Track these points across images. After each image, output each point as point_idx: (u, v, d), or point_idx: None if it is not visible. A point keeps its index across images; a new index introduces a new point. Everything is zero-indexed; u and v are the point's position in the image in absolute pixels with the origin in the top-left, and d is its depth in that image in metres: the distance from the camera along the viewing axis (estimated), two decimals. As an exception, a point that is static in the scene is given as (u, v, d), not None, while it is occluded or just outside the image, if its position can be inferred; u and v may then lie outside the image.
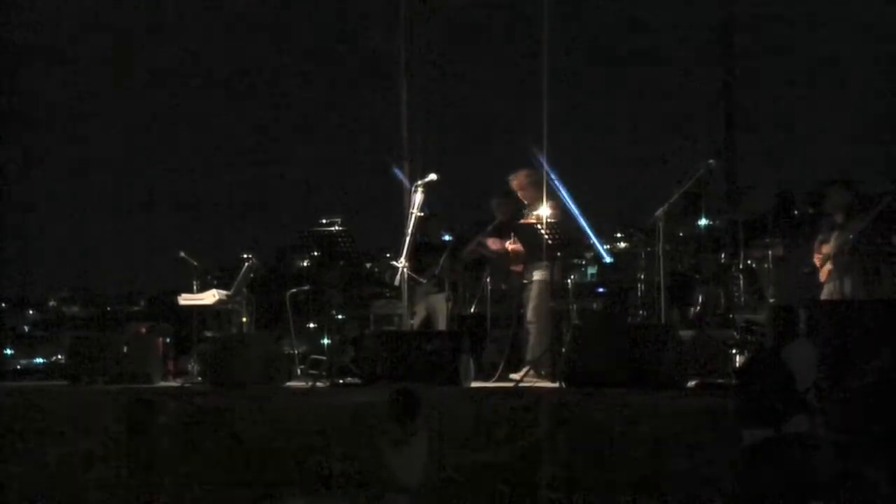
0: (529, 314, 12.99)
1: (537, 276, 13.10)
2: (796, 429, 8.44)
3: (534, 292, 13.07)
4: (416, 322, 13.98)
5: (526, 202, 13.39)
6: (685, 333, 12.83)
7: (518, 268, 13.32)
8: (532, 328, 12.95)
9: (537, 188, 13.20)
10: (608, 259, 14.01)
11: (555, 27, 15.69)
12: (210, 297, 14.30)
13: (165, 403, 11.74)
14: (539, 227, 12.55)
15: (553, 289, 13.10)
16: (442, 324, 13.81)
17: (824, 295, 12.74)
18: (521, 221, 13.03)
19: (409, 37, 16.64)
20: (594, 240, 13.46)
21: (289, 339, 14.74)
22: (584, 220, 13.41)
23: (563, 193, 13.32)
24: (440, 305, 13.90)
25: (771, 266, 13.78)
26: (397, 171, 15.07)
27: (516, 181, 13.42)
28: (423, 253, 13.89)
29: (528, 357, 12.79)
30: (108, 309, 19.07)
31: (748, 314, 13.24)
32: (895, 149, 15.19)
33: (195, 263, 14.75)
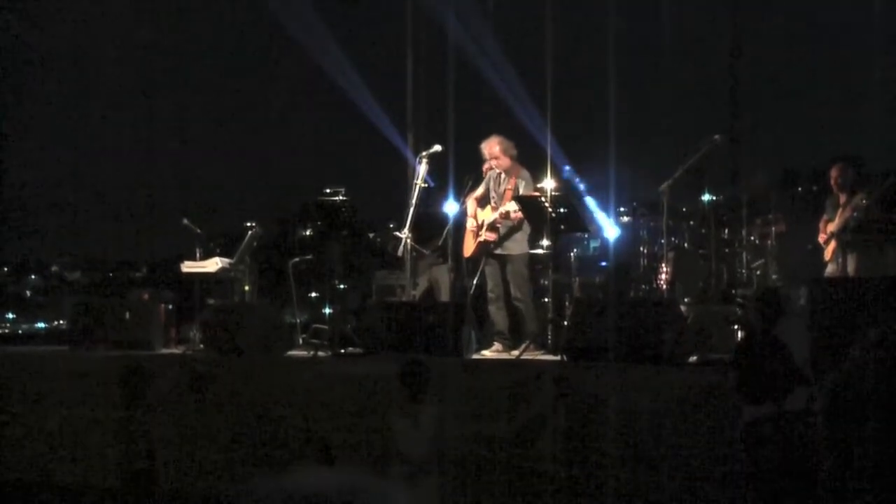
0: (514, 291, 12.81)
1: (515, 249, 12.91)
2: (795, 405, 8.45)
3: (514, 268, 12.89)
4: (417, 293, 13.96)
5: (498, 171, 13.15)
6: (687, 308, 12.83)
7: (492, 236, 13.02)
8: (521, 305, 12.79)
9: (510, 157, 13.02)
10: (611, 231, 13.96)
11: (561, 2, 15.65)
12: (213, 264, 14.28)
13: (164, 370, 11.75)
14: (542, 199, 12.47)
15: (535, 261, 13.07)
16: (444, 295, 13.78)
17: (828, 273, 12.73)
18: (522, 194, 12.91)
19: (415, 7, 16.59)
20: (596, 216, 13.41)
21: (291, 308, 14.75)
22: (589, 194, 13.37)
23: (566, 170, 13.27)
24: (443, 277, 13.87)
25: (774, 242, 13.77)
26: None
27: (487, 149, 13.10)
28: (426, 224, 13.85)
29: (527, 331, 12.73)
30: (110, 275, 19.07)
31: (750, 290, 13.24)
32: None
33: (198, 230, 14.74)
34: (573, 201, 12.60)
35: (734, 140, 15.39)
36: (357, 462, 10.40)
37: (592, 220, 13.32)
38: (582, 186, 13.13)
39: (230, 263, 14.40)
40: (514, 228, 12.84)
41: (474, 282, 13.22)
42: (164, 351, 13.67)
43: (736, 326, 12.26)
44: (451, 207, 13.65)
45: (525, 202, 12.61)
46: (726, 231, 14.28)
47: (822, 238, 13.02)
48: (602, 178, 14.20)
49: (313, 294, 16.22)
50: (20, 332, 18.15)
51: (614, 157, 14.14)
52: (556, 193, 12.59)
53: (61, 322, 17.33)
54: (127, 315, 13.95)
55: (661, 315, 11.17)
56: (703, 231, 14.36)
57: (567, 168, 13.33)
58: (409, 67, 16.51)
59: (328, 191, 13.50)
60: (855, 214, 12.61)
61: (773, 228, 13.81)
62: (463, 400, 10.47)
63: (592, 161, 14.27)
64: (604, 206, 13.76)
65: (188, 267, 14.42)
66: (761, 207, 14.18)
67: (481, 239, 12.97)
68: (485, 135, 13.22)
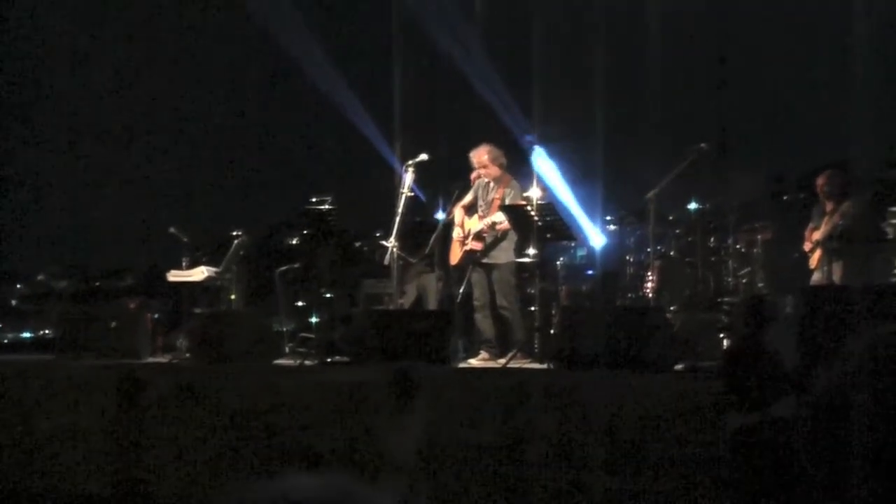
0: (500, 300, 12.82)
1: (502, 257, 12.91)
2: (782, 413, 8.47)
3: (499, 276, 12.89)
4: (407, 302, 13.96)
5: (487, 180, 13.17)
6: (674, 316, 12.86)
7: (478, 245, 13.03)
8: (507, 314, 12.80)
9: (499, 166, 13.04)
10: (597, 239, 13.99)
11: (547, 7, 15.67)
12: (199, 273, 14.29)
13: (154, 379, 11.74)
14: (529, 208, 12.50)
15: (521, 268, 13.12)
16: (433, 304, 13.78)
17: (813, 281, 12.77)
18: (510, 203, 12.93)
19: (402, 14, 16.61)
20: (581, 226, 13.45)
21: (278, 316, 14.74)
22: (577, 202, 13.39)
23: (550, 177, 13.29)
24: (431, 285, 13.88)
25: (760, 250, 13.81)
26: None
27: (476, 157, 13.13)
28: (415, 233, 13.86)
29: (514, 339, 12.73)
30: (97, 284, 19.01)
31: (736, 298, 13.28)
32: (887, 134, 15.21)
33: (185, 239, 14.73)
34: (557, 209, 12.62)
35: (721, 148, 15.42)
36: (345, 469, 10.39)
37: (576, 225, 13.35)
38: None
39: (217, 272, 14.40)
40: (501, 237, 12.86)
41: (461, 290, 13.22)
42: (151, 360, 13.65)
43: (722, 334, 12.29)
44: (440, 217, 13.70)
45: (512, 211, 12.64)
46: (713, 239, 14.31)
47: (807, 246, 13.06)
48: (590, 186, 14.24)
49: (300, 302, 16.19)
50: (6, 340, 18.07)
51: (602, 165, 14.17)
52: (543, 202, 12.60)
53: (48, 331, 17.27)
54: (113, 324, 13.93)
55: (648, 323, 11.19)
56: (690, 239, 14.39)
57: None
58: (396, 75, 16.52)
59: (315, 199, 13.47)
60: (841, 222, 12.65)
61: (760, 236, 13.84)
62: (450, 408, 10.47)
63: (580, 168, 14.28)
64: (590, 214, 13.78)
65: (175, 276, 14.41)
66: (748, 215, 14.22)
67: (467, 248, 12.99)
68: (473, 143, 13.24)
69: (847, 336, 9.22)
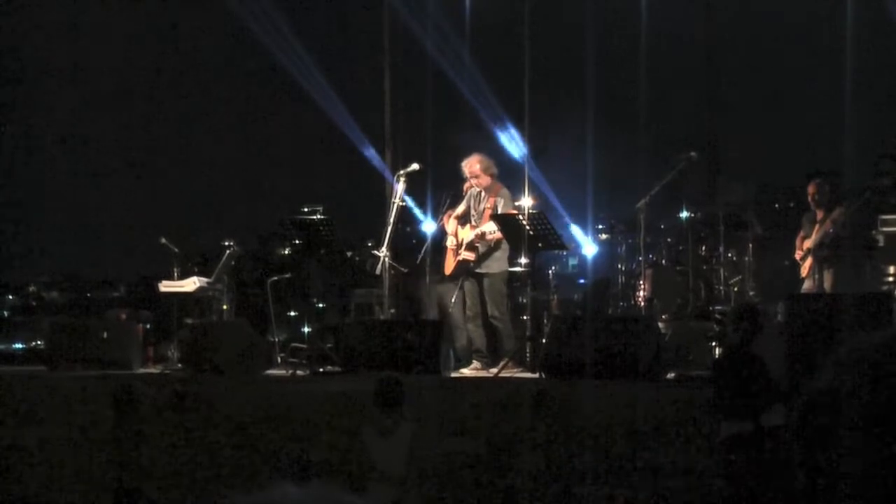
0: (491, 309, 12.79)
1: (494, 267, 12.89)
2: (773, 421, 8.48)
3: (491, 285, 12.88)
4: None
5: (478, 189, 13.15)
6: (665, 325, 12.87)
7: (471, 255, 13.01)
8: (498, 323, 12.77)
9: (491, 175, 13.03)
10: (589, 248, 14.01)
11: (536, 18, 15.68)
12: (190, 283, 14.26)
13: (145, 390, 11.72)
14: (520, 217, 12.50)
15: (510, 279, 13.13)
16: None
17: (804, 289, 12.78)
18: (502, 212, 12.92)
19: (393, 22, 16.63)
20: (573, 234, 13.47)
21: (269, 326, 14.72)
22: (566, 211, 13.42)
23: (543, 185, 13.31)
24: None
25: (751, 259, 13.83)
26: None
27: (467, 167, 13.09)
28: (409, 242, 13.87)
29: (505, 349, 12.71)
30: (88, 295, 18.97)
31: (728, 306, 13.30)
32: (877, 143, 15.25)
33: (176, 250, 14.71)
34: (549, 218, 12.62)
35: (710, 156, 15.46)
36: (335, 479, 10.37)
37: (567, 234, 13.35)
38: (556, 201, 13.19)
39: (208, 282, 14.37)
40: (494, 247, 12.85)
41: (453, 300, 13.21)
42: (142, 370, 13.62)
43: (714, 343, 12.30)
44: (429, 227, 13.69)
45: (503, 220, 12.64)
46: (704, 248, 14.32)
47: (798, 254, 13.08)
48: (580, 195, 14.28)
49: (292, 313, 16.17)
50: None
51: (593, 175, 14.19)
52: (534, 211, 12.61)
53: (39, 342, 17.22)
54: (105, 334, 13.89)
55: (639, 332, 11.20)
56: (681, 248, 14.40)
57: None
58: (386, 85, 16.53)
59: (306, 209, 13.51)
60: (832, 230, 12.67)
61: (750, 245, 13.85)
62: (441, 418, 10.46)
63: (570, 178, 14.31)
64: (582, 224, 13.80)
65: (166, 286, 14.38)
66: (738, 224, 14.23)
67: (461, 258, 12.98)
68: (465, 153, 13.24)
69: (837, 344, 9.24)
